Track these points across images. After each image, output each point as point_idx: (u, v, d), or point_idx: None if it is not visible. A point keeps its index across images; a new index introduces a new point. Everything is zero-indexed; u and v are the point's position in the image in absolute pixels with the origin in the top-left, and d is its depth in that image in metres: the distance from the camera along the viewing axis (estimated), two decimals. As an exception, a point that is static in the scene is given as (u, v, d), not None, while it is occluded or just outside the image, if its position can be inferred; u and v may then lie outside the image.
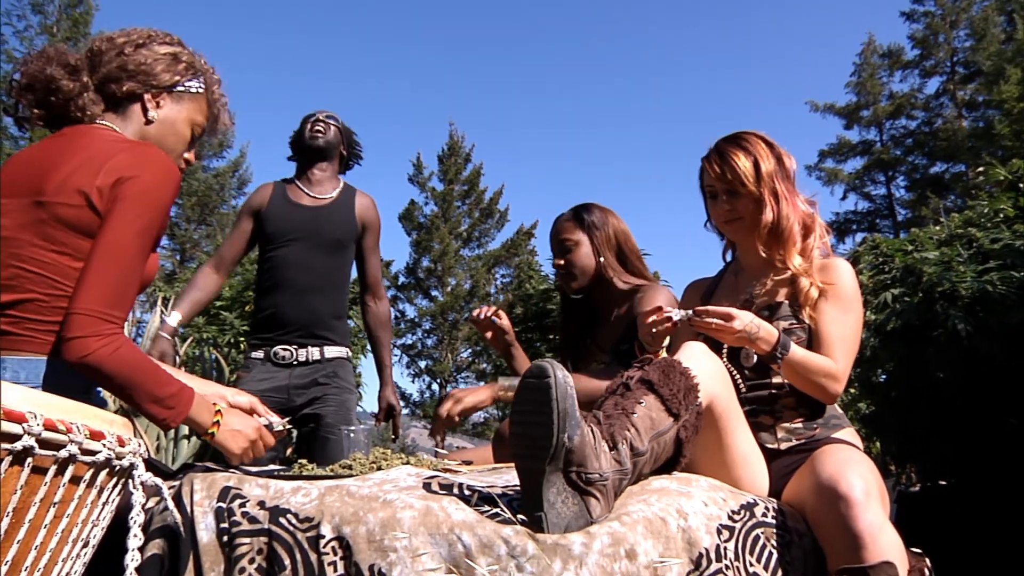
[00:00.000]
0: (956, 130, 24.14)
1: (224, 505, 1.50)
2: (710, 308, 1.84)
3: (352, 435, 2.09)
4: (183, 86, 1.74)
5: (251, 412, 1.82)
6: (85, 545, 1.14)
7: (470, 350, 24.52)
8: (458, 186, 25.98)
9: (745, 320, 1.81)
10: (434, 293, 25.45)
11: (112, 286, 1.43)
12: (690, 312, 1.87)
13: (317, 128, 3.08)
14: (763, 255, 2.03)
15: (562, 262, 2.64)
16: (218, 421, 1.59)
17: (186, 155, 1.80)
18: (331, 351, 2.96)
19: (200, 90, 1.77)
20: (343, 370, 2.99)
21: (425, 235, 25.41)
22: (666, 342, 1.95)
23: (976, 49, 23.82)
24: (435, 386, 24.73)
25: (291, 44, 50.87)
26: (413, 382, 24.89)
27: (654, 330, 1.91)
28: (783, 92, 48.27)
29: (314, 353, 2.92)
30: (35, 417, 0.97)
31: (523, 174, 50.08)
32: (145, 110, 1.69)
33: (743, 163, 2.00)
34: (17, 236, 1.45)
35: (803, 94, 49.86)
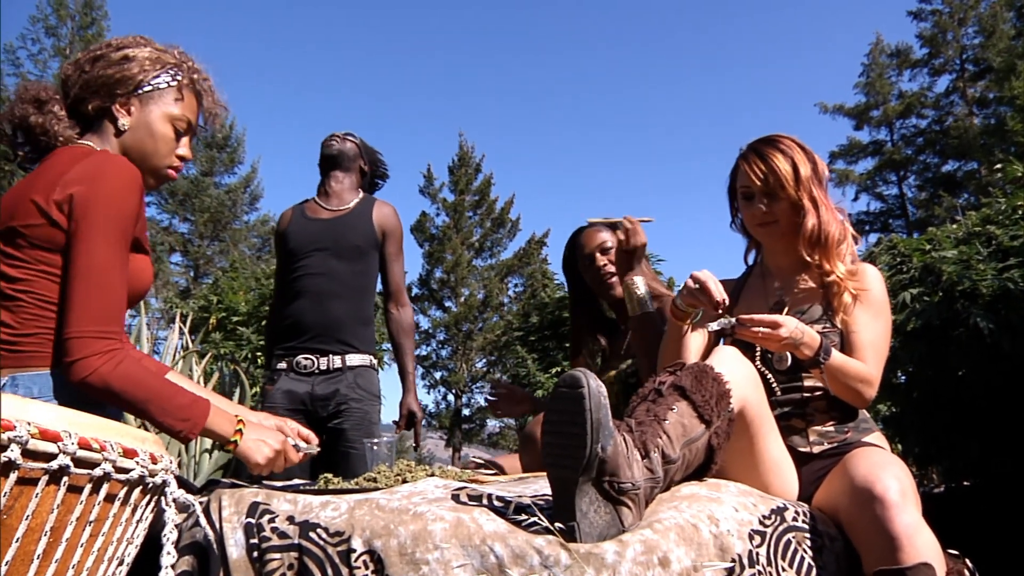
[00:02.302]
0: (967, 128, 23.99)
1: (253, 521, 1.49)
2: (755, 317, 1.82)
3: (375, 448, 2.09)
4: (149, 85, 1.69)
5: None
6: (120, 564, 1.13)
7: (484, 360, 24.53)
8: (469, 196, 26.05)
9: (791, 327, 1.80)
10: (447, 304, 25.49)
11: (96, 304, 1.44)
12: (733, 320, 1.84)
13: (332, 140, 3.15)
14: (799, 257, 2.01)
15: (605, 261, 2.63)
16: (240, 430, 1.58)
17: (179, 151, 1.75)
18: (353, 359, 2.95)
19: (171, 83, 1.72)
20: (366, 378, 2.97)
21: (437, 246, 25.48)
22: (697, 316, 1.93)
23: (986, 46, 23.68)
24: (450, 397, 24.75)
25: (300, 59, 51.26)
26: (428, 393, 24.91)
27: (693, 290, 1.89)
28: (792, 94, 48.16)
29: (335, 361, 2.91)
30: (69, 436, 0.97)
31: (533, 183, 50.24)
32: (114, 119, 1.67)
33: (783, 166, 1.98)
34: (3, 262, 1.48)
35: (812, 96, 49.78)
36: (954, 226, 5.04)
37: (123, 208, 1.50)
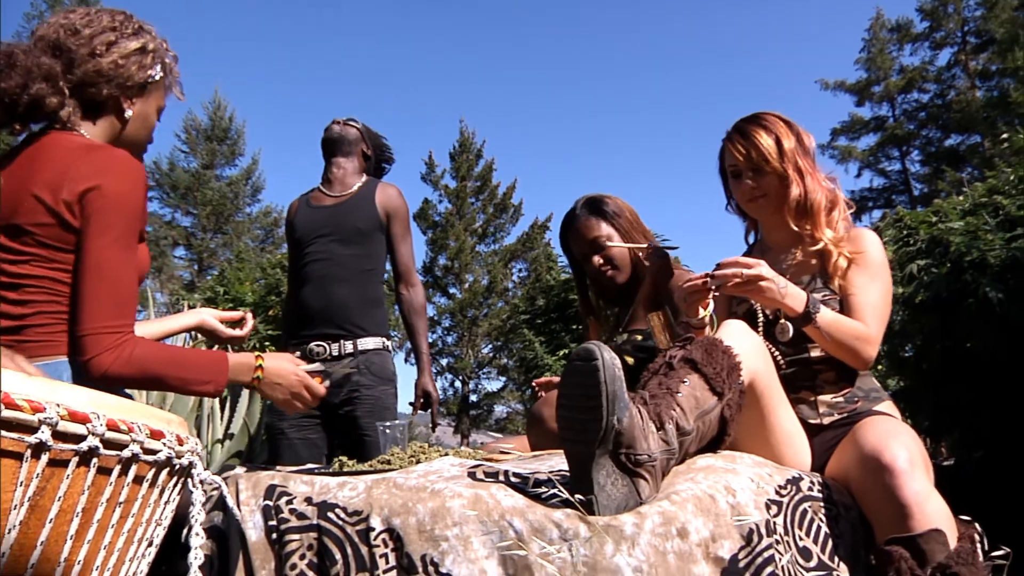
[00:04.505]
0: (970, 101, 23.83)
1: (271, 503, 1.51)
2: (726, 260, 1.85)
3: (387, 431, 2.10)
4: (152, 79, 1.70)
5: None
6: (150, 545, 1.15)
7: (491, 346, 24.56)
8: (471, 182, 25.99)
9: (769, 271, 1.82)
10: (452, 290, 25.50)
11: (106, 300, 1.46)
12: (714, 274, 1.85)
13: (333, 125, 3.17)
14: (794, 229, 2.04)
15: (601, 260, 2.58)
16: (261, 366, 1.65)
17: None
18: (365, 343, 2.95)
19: (161, 76, 1.73)
20: (378, 362, 2.98)
21: (440, 233, 25.45)
22: (709, 309, 1.90)
23: (987, 17, 23.47)
24: (457, 383, 24.81)
25: (299, 49, 51.08)
26: (436, 380, 24.94)
27: (686, 296, 1.91)
28: (792, 72, 48.01)
29: (347, 346, 2.93)
30: (98, 417, 0.98)
31: (535, 168, 50.14)
32: (121, 111, 1.67)
33: (765, 140, 2.03)
34: (6, 257, 1.48)
35: (813, 73, 49.66)
36: (960, 197, 5.02)
37: (134, 206, 1.51)
